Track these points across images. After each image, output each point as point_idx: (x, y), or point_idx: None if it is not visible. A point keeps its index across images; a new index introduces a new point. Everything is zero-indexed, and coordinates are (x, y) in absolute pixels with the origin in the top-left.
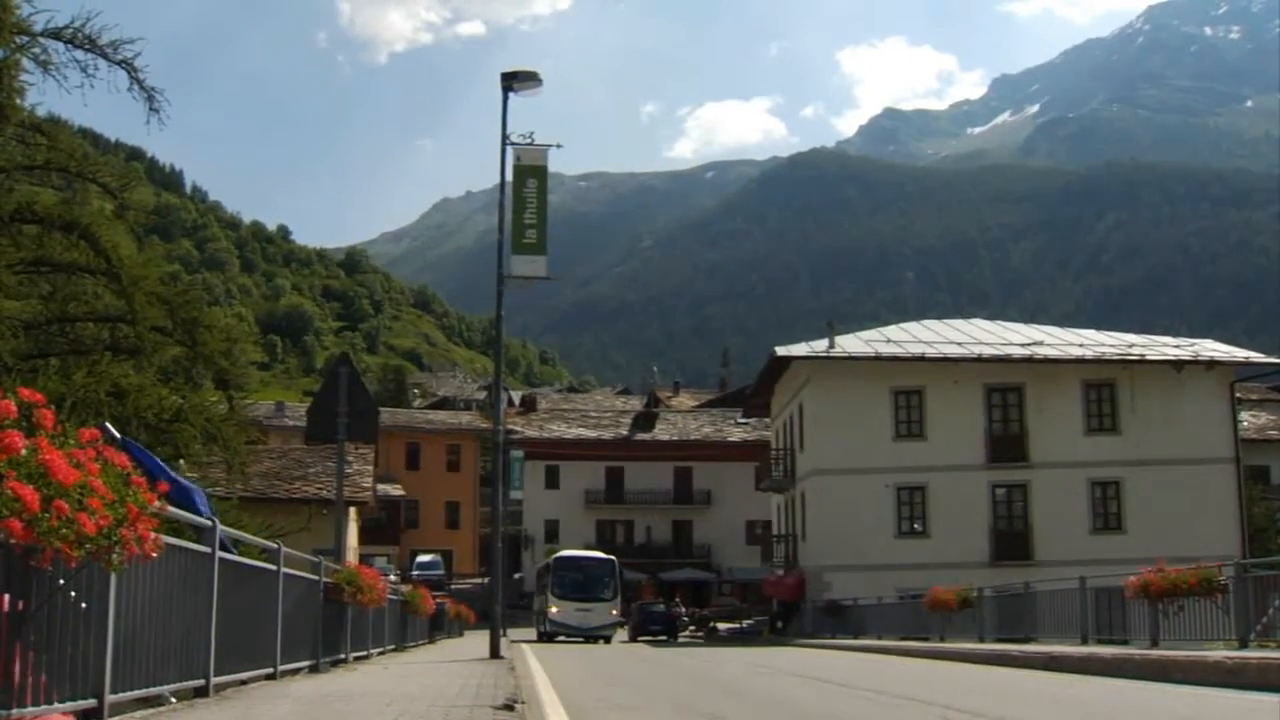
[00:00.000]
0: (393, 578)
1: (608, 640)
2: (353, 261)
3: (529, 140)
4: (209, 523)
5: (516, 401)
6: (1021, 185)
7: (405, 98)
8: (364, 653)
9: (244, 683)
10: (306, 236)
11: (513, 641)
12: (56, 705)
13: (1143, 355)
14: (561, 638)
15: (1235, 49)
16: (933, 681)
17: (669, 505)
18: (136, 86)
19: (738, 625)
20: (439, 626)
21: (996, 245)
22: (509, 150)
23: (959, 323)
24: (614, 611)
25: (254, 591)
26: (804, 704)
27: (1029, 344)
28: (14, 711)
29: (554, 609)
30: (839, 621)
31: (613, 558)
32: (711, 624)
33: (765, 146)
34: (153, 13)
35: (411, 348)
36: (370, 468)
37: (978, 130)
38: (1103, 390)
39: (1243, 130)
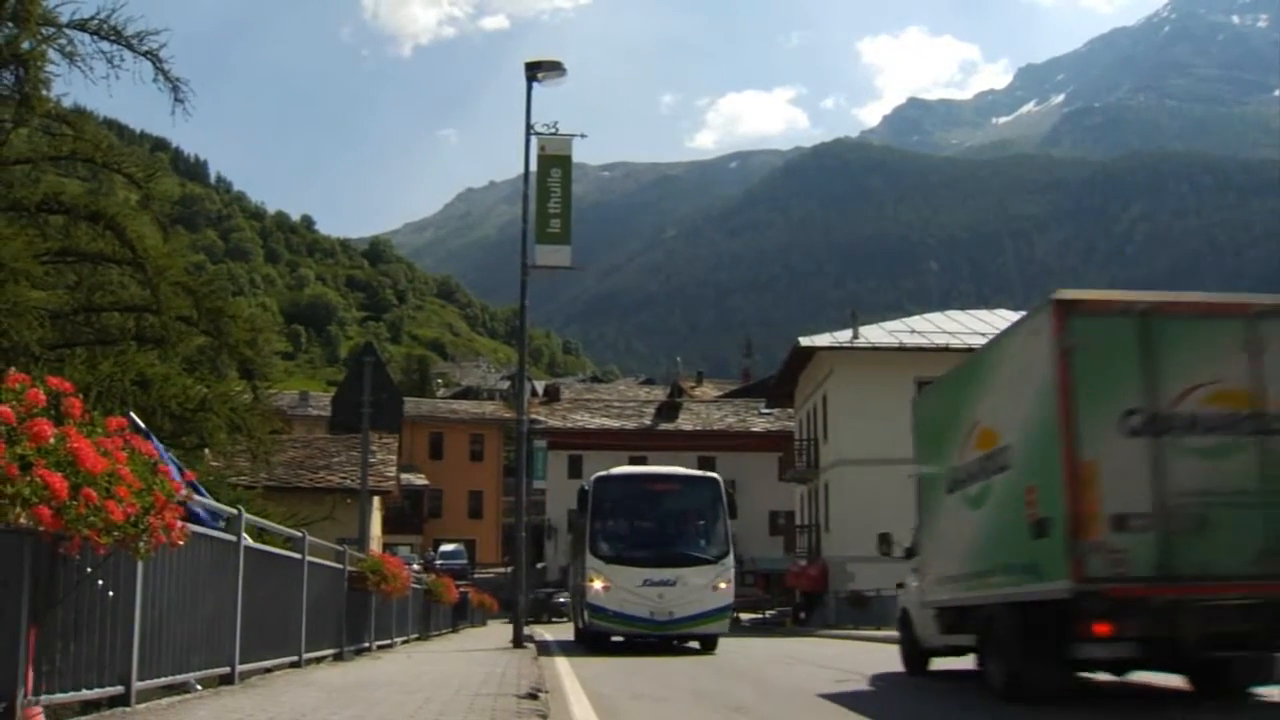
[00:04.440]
0: (416, 567)
1: (711, 646)
2: (376, 251)
3: (553, 130)
4: (233, 511)
5: (540, 391)
6: (1046, 175)
7: (429, 89)
8: (388, 641)
9: (269, 671)
10: (330, 227)
11: (536, 642)
12: (84, 692)
13: None
14: (617, 638)
15: (1263, 38)
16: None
17: None
18: (162, 77)
19: (760, 615)
20: (462, 616)
21: (1021, 235)
22: (533, 140)
23: (983, 313)
24: (724, 584)
25: (279, 580)
26: (825, 693)
27: None
28: (43, 698)
29: (596, 584)
30: (862, 612)
31: (715, 475)
32: (734, 614)
33: (788, 137)
34: (177, 4)
35: (435, 338)
36: (394, 457)
37: (1002, 120)
38: None
39: (1270, 119)
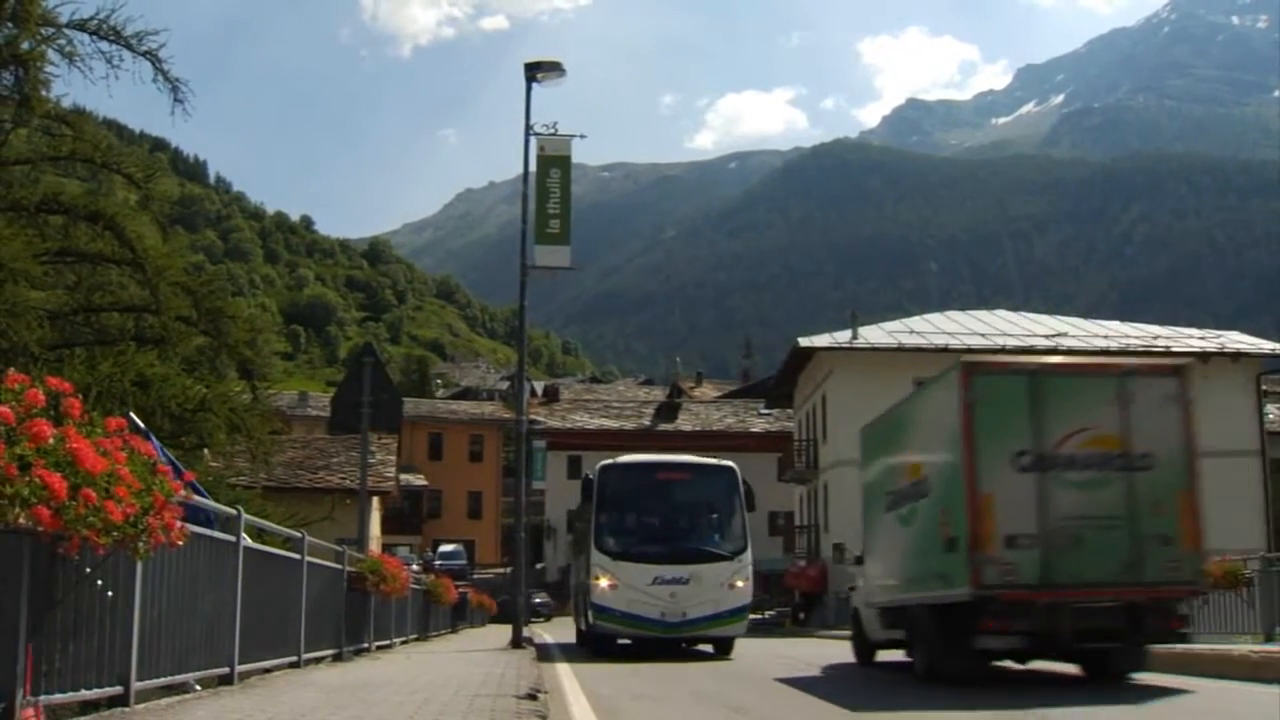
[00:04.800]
0: (415, 567)
1: (727, 649)
2: (376, 252)
3: (552, 130)
4: (232, 511)
5: (539, 392)
6: (1046, 176)
7: (428, 90)
8: (387, 642)
9: (268, 671)
10: (330, 227)
11: (535, 644)
12: (83, 692)
13: (1168, 347)
14: (624, 640)
15: (1263, 38)
16: None
17: None
18: (161, 78)
19: (760, 616)
20: (461, 616)
21: (1020, 236)
22: (532, 140)
23: (983, 314)
24: (740, 582)
25: (278, 580)
26: (823, 694)
27: (1053, 335)
28: (42, 698)
29: (603, 582)
30: None
31: (731, 464)
32: None
33: (787, 137)
34: (177, 4)
35: (434, 338)
36: (393, 457)
37: (1002, 120)
38: None
39: (1270, 120)
